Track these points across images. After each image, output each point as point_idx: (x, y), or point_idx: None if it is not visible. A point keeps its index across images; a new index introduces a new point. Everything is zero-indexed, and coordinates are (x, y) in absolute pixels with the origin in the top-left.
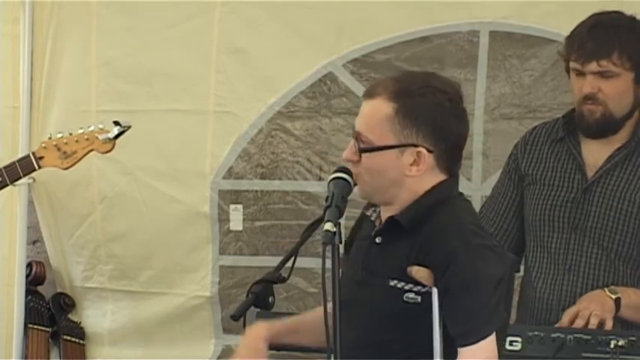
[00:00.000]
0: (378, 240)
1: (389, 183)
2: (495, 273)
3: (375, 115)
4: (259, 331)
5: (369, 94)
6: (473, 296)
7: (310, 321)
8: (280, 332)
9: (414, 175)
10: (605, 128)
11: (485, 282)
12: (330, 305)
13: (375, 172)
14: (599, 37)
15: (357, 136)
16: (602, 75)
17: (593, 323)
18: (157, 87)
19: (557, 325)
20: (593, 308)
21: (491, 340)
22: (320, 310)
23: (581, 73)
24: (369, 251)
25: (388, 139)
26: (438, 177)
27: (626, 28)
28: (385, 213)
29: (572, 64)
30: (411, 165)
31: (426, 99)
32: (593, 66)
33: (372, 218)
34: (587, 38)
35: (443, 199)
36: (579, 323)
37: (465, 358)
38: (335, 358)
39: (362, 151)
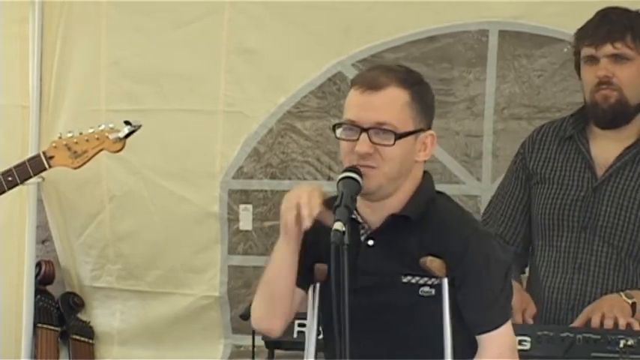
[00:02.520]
0: (370, 242)
1: (404, 170)
2: (505, 259)
3: (396, 103)
4: None
5: (376, 86)
6: (490, 282)
7: None
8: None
9: (421, 160)
10: (619, 116)
11: (499, 268)
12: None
13: (397, 160)
14: (612, 21)
15: (378, 127)
16: (617, 59)
17: (622, 324)
18: (166, 87)
19: (572, 325)
20: (613, 311)
21: (510, 326)
22: None
23: (594, 60)
24: (362, 255)
25: (409, 125)
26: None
27: (636, 15)
28: (379, 211)
29: (585, 52)
30: (419, 151)
31: (427, 86)
32: (607, 48)
33: (359, 221)
34: (600, 23)
35: (434, 188)
36: (608, 324)
37: (487, 345)
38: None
39: (398, 137)
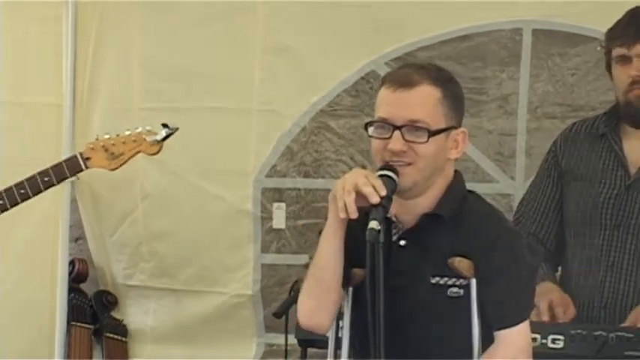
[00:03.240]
0: (402, 243)
1: (437, 168)
2: (532, 263)
3: (429, 100)
4: None
5: (409, 84)
6: (514, 280)
7: None
8: None
9: (454, 157)
10: None
11: (524, 269)
12: None
13: (430, 157)
14: None
15: (411, 124)
16: None
17: None
18: (200, 85)
19: (622, 325)
20: None
21: (527, 326)
22: None
23: (626, 59)
24: (393, 255)
25: (441, 122)
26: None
27: None
28: (411, 210)
29: (616, 52)
30: (451, 148)
31: (458, 83)
32: (639, 48)
33: (393, 220)
34: (630, 23)
35: (465, 187)
36: None
37: (501, 341)
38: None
39: (431, 134)
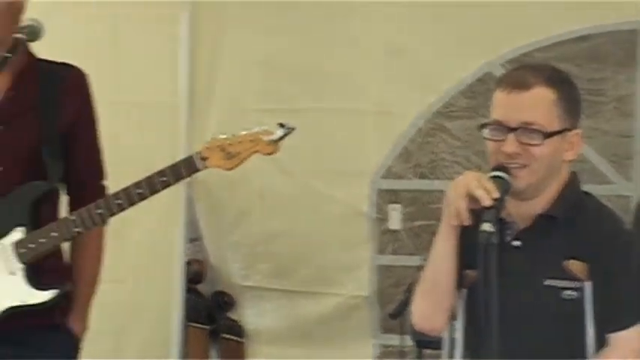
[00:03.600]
0: (516, 243)
1: (552, 169)
2: None
3: (543, 102)
4: None
5: (523, 86)
6: (631, 281)
7: None
8: None
9: (569, 159)
10: None
11: None
12: None
13: (545, 159)
14: None
15: (526, 126)
16: None
17: None
18: (317, 86)
19: None
20: None
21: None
22: None
23: None
24: (507, 257)
25: (556, 124)
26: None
27: None
28: (526, 211)
29: None
30: (566, 150)
31: (574, 85)
32: None
33: (507, 221)
34: None
35: (580, 188)
36: None
37: (617, 344)
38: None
39: (546, 137)
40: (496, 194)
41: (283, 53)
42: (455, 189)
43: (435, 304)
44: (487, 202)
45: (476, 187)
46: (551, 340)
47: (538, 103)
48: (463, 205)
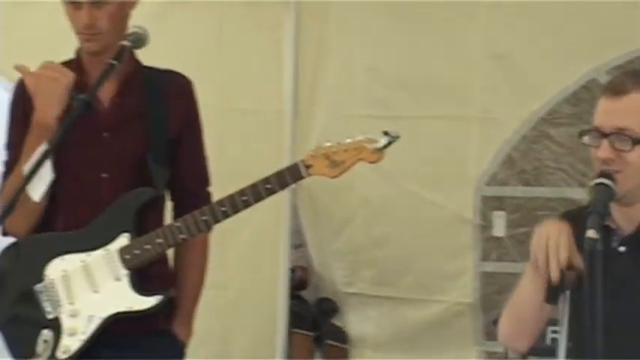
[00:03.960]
0: (622, 249)
1: None
2: None
3: (637, 108)
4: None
5: (620, 91)
6: None
7: None
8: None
9: None
10: None
11: None
12: None
13: (637, 165)
14: None
15: (619, 132)
16: None
17: None
18: (421, 93)
19: None
20: None
21: None
22: None
23: None
24: (613, 262)
25: None
26: None
27: None
28: (631, 216)
29: None
30: None
31: None
32: None
33: (612, 227)
34: None
35: None
36: None
37: None
38: None
39: (636, 142)
40: (564, 260)
41: (387, 59)
42: (537, 238)
43: (518, 330)
44: (554, 275)
45: (553, 256)
46: None
47: (631, 109)
48: (543, 259)
